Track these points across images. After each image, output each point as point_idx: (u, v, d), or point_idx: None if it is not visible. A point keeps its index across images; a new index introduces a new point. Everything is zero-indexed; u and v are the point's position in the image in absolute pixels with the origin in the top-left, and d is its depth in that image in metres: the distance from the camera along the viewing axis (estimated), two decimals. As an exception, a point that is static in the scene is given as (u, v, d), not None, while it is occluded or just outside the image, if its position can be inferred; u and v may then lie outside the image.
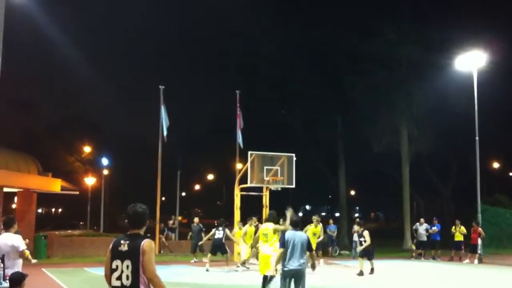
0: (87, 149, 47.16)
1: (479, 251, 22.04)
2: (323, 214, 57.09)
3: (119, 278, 4.67)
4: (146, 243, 4.71)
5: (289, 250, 8.45)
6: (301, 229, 9.63)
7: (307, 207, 74.51)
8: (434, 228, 23.59)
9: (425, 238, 23.61)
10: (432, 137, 32.92)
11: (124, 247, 4.70)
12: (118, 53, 70.68)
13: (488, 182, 34.54)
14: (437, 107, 30.86)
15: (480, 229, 22.25)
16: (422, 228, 23.77)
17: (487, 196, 31.75)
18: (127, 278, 4.63)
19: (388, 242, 31.39)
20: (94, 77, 52.33)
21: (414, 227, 24.73)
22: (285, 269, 8.51)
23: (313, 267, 9.11)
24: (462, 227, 22.87)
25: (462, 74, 25.80)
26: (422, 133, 31.97)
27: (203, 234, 21.30)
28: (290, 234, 8.66)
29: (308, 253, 8.74)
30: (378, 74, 30.92)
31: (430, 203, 46.11)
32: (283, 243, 8.57)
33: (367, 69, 30.53)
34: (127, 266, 4.65)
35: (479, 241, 22.03)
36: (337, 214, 46.93)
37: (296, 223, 8.95)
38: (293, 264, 8.46)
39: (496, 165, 48.90)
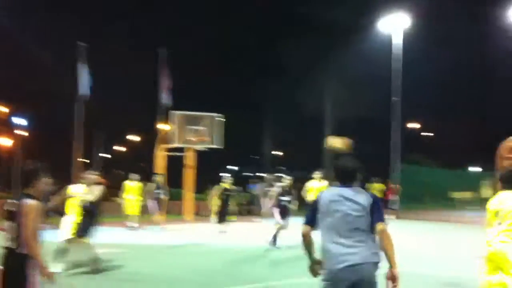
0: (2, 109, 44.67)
1: (394, 207, 23.09)
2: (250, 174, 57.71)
3: (8, 239, 4.46)
4: (27, 204, 4.43)
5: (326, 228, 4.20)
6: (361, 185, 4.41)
7: (236, 167, 74.85)
8: None
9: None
10: (355, 99, 33.83)
11: (13, 207, 4.49)
12: (41, 4, 66.21)
13: (407, 142, 36.10)
14: (360, 70, 31.66)
15: (396, 186, 23.24)
16: None
17: (406, 155, 33.15)
18: (12, 239, 4.42)
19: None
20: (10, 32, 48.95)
21: None
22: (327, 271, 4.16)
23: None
24: (379, 184, 23.61)
25: (385, 37, 26.50)
26: (346, 97, 32.74)
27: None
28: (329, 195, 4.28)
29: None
30: (307, 38, 31.21)
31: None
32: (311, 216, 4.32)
33: (297, 33, 30.77)
34: (14, 228, 4.44)
35: (395, 197, 23.04)
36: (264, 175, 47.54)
37: (348, 173, 4.34)
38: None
39: (415, 125, 51.21)
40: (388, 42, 26.54)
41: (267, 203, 17.29)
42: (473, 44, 39.90)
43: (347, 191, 4.24)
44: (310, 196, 14.15)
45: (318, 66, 31.80)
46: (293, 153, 56.05)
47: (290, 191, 13.61)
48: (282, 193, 13.34)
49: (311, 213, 4.34)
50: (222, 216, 14.26)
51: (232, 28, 34.74)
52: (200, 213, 22.24)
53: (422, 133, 54.26)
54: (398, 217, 22.72)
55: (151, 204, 17.38)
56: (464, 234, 17.57)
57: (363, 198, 4.18)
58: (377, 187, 23.39)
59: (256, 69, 34.83)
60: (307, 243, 4.31)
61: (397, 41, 24.88)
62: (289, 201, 13.39)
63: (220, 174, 20.26)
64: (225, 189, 14.41)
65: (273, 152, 48.34)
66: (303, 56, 31.37)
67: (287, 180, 13.67)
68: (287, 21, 30.52)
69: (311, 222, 4.32)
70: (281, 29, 31.26)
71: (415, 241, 14.94)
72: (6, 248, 4.44)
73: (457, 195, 30.96)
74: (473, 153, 42.71)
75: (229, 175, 17.05)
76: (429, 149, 45.34)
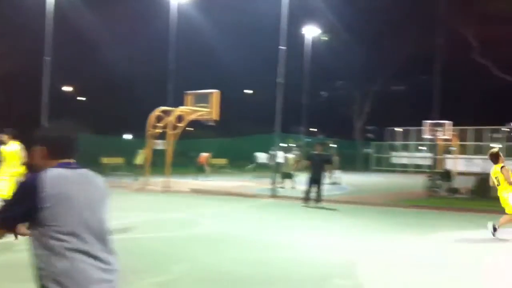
0: None
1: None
2: None
3: None
4: None
5: None
6: None
7: None
8: None
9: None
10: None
11: None
12: None
13: (58, 105, 34.49)
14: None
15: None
16: None
17: (53, 119, 31.61)
18: None
19: None
20: None
21: None
22: None
23: None
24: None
25: None
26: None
27: None
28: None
29: None
30: None
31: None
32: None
33: None
34: None
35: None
36: None
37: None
38: None
39: (67, 88, 49.67)
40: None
41: None
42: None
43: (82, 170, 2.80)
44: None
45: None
46: None
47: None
48: None
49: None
50: None
51: None
52: None
53: (77, 98, 53.18)
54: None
55: None
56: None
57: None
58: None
59: None
60: None
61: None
62: None
63: None
64: None
65: None
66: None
67: None
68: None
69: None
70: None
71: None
72: None
73: (107, 160, 31.11)
74: (126, 121, 43.95)
75: None
76: (82, 115, 44.56)
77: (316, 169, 15.14)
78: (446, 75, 34.93)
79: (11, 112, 35.77)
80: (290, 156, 23.43)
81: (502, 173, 10.10)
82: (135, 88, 45.75)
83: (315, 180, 15.08)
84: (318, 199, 15.11)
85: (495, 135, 41.51)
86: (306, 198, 15.24)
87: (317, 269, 7.41)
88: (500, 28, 32.90)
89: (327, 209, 14.51)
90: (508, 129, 41.73)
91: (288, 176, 22.01)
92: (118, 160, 31.58)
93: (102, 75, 43.93)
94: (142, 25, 40.33)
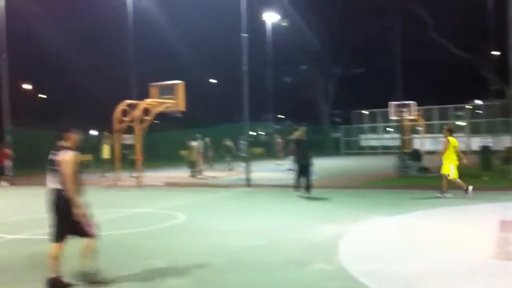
0: None
1: (8, 173, 21.43)
2: None
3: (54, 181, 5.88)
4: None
5: None
6: None
7: None
8: None
9: None
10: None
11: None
12: None
13: (17, 103, 33.72)
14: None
15: (7, 150, 21.48)
16: None
17: (15, 117, 31.08)
18: (57, 182, 5.87)
19: None
20: None
21: None
22: None
23: None
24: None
25: None
26: None
27: None
28: None
29: None
30: None
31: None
32: None
33: None
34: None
35: (9, 163, 21.38)
36: None
37: None
38: None
39: (25, 86, 48.44)
40: None
41: None
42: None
43: None
44: None
45: None
46: None
47: None
48: None
49: None
50: None
51: None
52: None
53: (37, 95, 51.94)
54: (12, 184, 21.13)
55: None
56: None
57: None
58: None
59: None
60: None
61: None
62: None
63: None
64: None
65: None
66: None
67: None
68: None
69: None
70: None
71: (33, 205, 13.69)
72: (53, 189, 5.89)
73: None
74: (91, 117, 43.13)
75: None
76: (43, 112, 43.59)
77: (304, 154, 14.36)
78: (405, 55, 35.38)
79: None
80: (194, 144, 23.45)
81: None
82: (96, 83, 44.93)
83: (305, 167, 14.29)
84: (309, 187, 14.34)
85: (459, 113, 42.39)
86: (296, 186, 14.45)
87: (298, 253, 7.38)
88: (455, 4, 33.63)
89: (303, 196, 14.41)
90: (471, 107, 42.66)
91: (192, 165, 22.94)
92: (87, 157, 30.99)
93: (61, 72, 43.01)
94: (98, 17, 39.47)
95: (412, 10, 36.57)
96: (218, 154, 27.77)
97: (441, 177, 13.21)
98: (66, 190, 5.78)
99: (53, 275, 5.86)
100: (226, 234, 9.10)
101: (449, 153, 13.02)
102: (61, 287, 5.85)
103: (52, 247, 5.89)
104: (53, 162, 5.88)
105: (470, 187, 12.87)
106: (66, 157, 5.83)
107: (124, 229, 9.91)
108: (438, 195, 13.06)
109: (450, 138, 13.11)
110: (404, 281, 5.88)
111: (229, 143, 26.67)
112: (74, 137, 6.14)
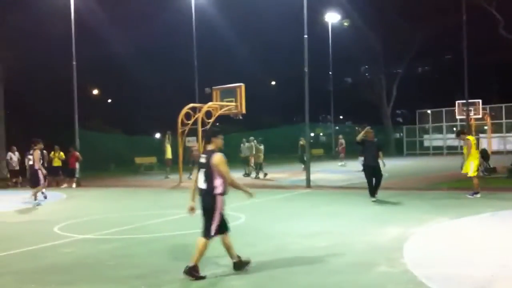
0: None
1: (77, 175, 22.27)
2: None
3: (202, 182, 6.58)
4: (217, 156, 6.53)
5: None
6: None
7: None
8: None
9: (18, 167, 22.58)
10: (24, 60, 31.38)
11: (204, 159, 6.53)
12: None
13: (85, 107, 35.08)
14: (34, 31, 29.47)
15: (77, 153, 22.34)
16: (15, 156, 22.66)
17: (84, 121, 32.32)
18: (205, 182, 6.56)
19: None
20: None
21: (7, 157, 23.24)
22: None
23: None
24: (61, 153, 22.47)
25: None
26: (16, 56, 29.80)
27: None
28: None
29: None
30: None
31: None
32: None
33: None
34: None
35: (77, 165, 22.21)
36: None
37: None
38: None
39: (94, 91, 50.31)
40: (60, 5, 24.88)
41: None
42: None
43: None
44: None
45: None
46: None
47: None
48: None
49: None
50: None
51: None
52: None
53: (103, 100, 53.75)
54: (79, 185, 21.96)
55: None
56: (140, 196, 17.46)
57: None
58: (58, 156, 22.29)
59: None
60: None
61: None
62: None
63: None
64: None
65: None
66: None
67: None
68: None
69: None
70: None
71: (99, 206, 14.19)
72: (202, 189, 6.58)
73: (140, 160, 31.43)
74: (153, 120, 44.27)
75: None
76: (108, 116, 45.05)
77: (372, 156, 13.53)
78: (471, 53, 34.04)
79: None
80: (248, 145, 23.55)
81: None
82: (158, 88, 46.08)
83: (373, 169, 13.50)
84: (376, 189, 13.57)
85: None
86: (372, 194, 13.55)
87: (362, 255, 7.29)
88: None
89: (366, 196, 14.15)
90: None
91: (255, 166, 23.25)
92: (151, 160, 31.86)
93: (125, 78, 44.32)
94: (163, 22, 40.42)
95: (480, 7, 35.13)
96: (269, 156, 27.80)
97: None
98: (231, 185, 6.68)
99: (192, 264, 6.41)
100: (287, 235, 9.11)
101: (473, 152, 13.68)
102: (197, 277, 6.38)
103: (201, 240, 6.52)
104: (203, 165, 6.50)
105: (479, 195, 13.33)
106: (218, 158, 6.46)
107: (189, 230, 10.08)
108: (469, 196, 13.38)
109: (470, 137, 13.95)
110: (473, 286, 5.69)
111: (302, 142, 25.86)
112: (219, 141, 6.72)
